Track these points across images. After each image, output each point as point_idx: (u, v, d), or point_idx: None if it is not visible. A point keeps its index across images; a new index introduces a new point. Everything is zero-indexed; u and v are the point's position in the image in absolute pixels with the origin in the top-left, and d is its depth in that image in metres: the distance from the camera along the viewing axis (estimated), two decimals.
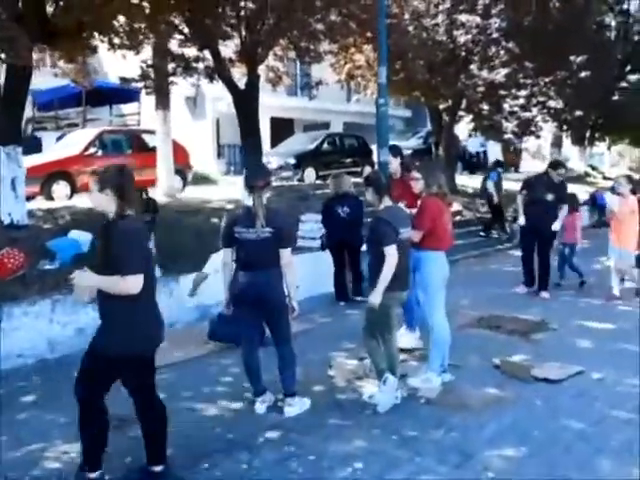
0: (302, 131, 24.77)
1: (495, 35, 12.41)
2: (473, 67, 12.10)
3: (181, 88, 19.67)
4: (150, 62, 8.93)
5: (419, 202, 4.96)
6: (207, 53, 9.24)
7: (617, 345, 5.84)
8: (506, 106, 13.54)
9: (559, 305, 7.57)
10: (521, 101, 13.58)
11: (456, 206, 13.53)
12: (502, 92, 12.71)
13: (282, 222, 4.26)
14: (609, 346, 5.82)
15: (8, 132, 7.15)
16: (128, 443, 3.82)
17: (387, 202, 4.45)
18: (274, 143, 20.46)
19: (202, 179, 17.01)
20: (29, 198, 10.42)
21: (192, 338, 6.10)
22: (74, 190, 11.02)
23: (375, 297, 4.27)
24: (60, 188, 10.80)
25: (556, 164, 8.20)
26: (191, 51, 9.17)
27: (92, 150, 11.69)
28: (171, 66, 9.01)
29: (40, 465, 3.68)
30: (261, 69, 12.04)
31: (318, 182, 14.44)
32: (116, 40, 7.72)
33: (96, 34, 7.46)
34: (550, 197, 7.69)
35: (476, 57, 12.06)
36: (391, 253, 4.23)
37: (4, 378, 5.07)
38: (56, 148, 11.81)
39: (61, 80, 17.90)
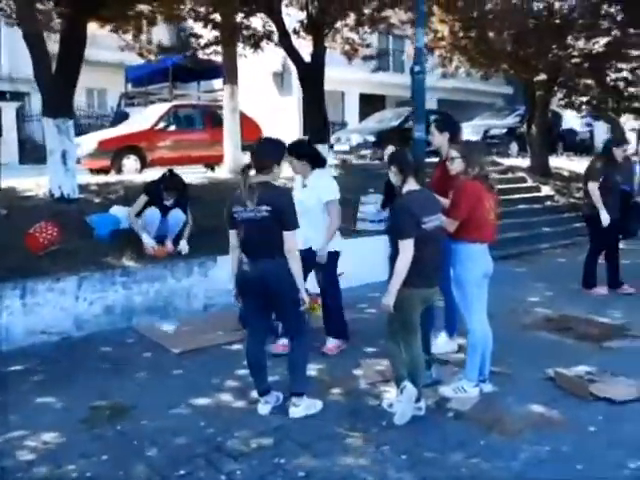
0: (394, 107, 23.97)
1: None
2: (569, 37, 10.79)
3: (269, 64, 19.52)
4: (190, 31, 8.60)
5: (457, 185, 4.23)
6: (255, 21, 8.78)
7: None
8: (608, 80, 12.05)
9: None
10: (624, 74, 12.03)
11: (547, 190, 12.44)
12: (602, 64, 11.25)
13: (280, 200, 3.71)
14: None
15: (59, 104, 7.06)
16: None
17: (412, 185, 3.82)
18: (363, 120, 19.87)
19: None
20: (103, 171, 10.60)
21: (223, 323, 5.75)
22: (144, 164, 11.06)
23: (388, 298, 3.69)
24: (130, 162, 10.87)
25: (618, 141, 7.25)
26: (256, 21, 8.73)
27: (162, 125, 11.67)
28: (213, 35, 8.60)
29: (13, 455, 3.44)
30: (338, 42, 11.51)
31: None
32: (163, 9, 7.44)
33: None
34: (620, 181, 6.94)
35: (573, 25, 10.73)
36: (406, 248, 3.63)
37: (23, 355, 4.97)
38: (129, 123, 11.90)
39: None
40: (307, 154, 4.94)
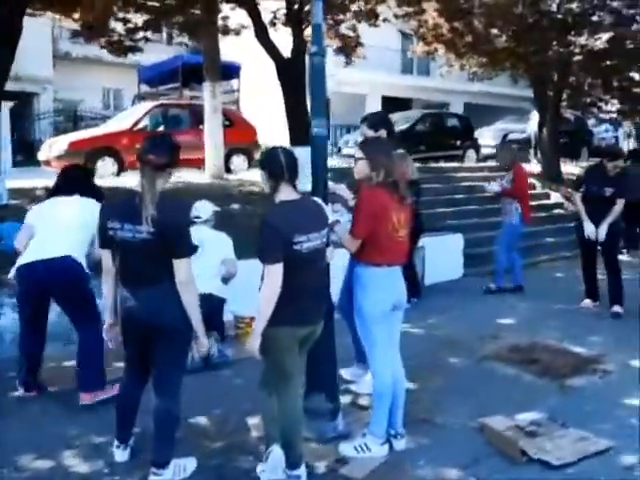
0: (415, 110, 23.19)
1: None
2: (573, 33, 9.72)
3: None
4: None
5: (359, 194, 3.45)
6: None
7: None
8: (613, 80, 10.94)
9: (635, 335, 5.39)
10: (631, 73, 10.88)
11: (557, 197, 11.48)
12: (606, 62, 10.13)
13: (172, 219, 2.90)
14: None
15: None
16: None
17: (286, 194, 2.98)
18: None
19: None
20: None
21: None
22: (122, 167, 10.51)
23: (252, 341, 2.93)
24: (106, 165, 10.29)
25: (613, 153, 6.43)
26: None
27: (143, 125, 11.11)
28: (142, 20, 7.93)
29: None
30: (334, 39, 10.78)
31: None
32: None
33: None
34: (608, 193, 6.20)
35: (579, 21, 9.65)
36: (271, 275, 2.85)
37: None
38: (108, 123, 11.40)
39: (163, 55, 17.71)
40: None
